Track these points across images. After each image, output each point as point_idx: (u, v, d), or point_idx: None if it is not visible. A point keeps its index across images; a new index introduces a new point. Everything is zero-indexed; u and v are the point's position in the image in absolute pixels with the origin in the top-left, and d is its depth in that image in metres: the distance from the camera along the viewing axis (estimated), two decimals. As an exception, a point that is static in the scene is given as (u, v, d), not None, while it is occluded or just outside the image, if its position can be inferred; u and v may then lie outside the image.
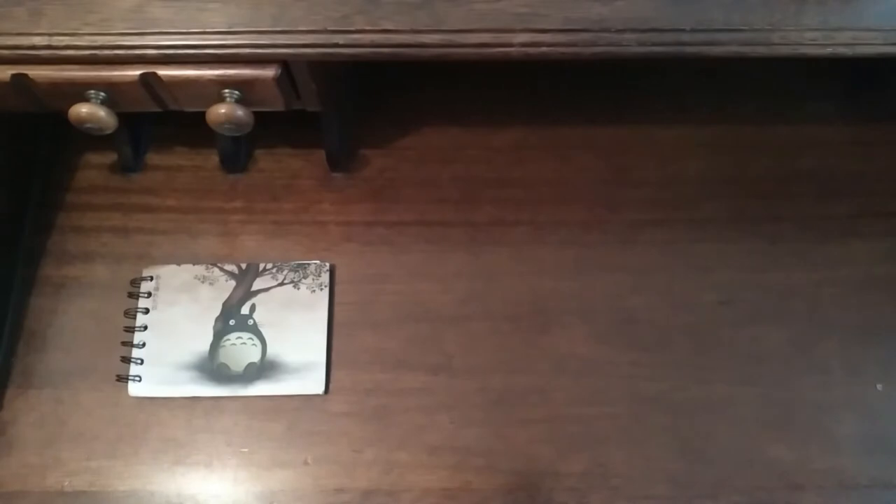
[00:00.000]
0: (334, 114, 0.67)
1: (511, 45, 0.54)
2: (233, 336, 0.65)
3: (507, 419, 0.63)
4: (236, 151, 0.72)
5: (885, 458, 0.62)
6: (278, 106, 0.60)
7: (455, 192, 0.71)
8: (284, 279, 0.67)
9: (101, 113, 0.56)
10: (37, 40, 0.54)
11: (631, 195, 0.70)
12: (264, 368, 0.64)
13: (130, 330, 0.66)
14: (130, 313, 0.66)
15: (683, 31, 0.53)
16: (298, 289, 0.67)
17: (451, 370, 0.64)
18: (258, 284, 0.67)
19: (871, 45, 0.54)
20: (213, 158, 0.72)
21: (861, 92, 0.75)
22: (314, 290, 0.67)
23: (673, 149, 0.72)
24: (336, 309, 0.67)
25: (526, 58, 0.55)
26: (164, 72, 0.55)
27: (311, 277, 0.67)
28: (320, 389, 0.64)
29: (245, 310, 0.66)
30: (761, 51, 0.54)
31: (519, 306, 0.66)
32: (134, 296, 0.67)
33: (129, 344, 0.65)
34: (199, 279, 0.67)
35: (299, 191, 0.71)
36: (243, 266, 0.68)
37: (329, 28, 0.53)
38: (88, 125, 0.57)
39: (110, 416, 0.63)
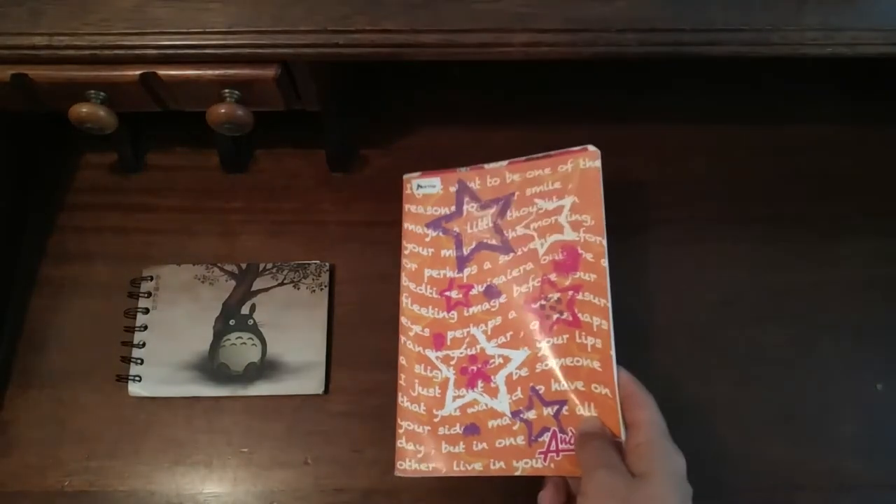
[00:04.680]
0: (334, 114, 0.67)
1: (511, 45, 0.54)
2: (233, 336, 0.65)
3: (507, 419, 0.62)
4: (236, 151, 0.72)
5: (885, 458, 0.62)
6: (278, 106, 0.60)
7: (455, 192, 0.71)
8: (284, 279, 0.67)
9: (101, 113, 0.56)
10: (37, 40, 0.54)
11: (631, 195, 0.70)
12: (264, 368, 0.64)
13: (130, 330, 0.66)
14: (130, 313, 0.66)
15: (683, 31, 0.53)
16: (298, 289, 0.67)
17: (451, 370, 0.64)
18: (258, 284, 0.67)
19: (872, 45, 0.54)
20: (213, 158, 0.72)
21: (861, 92, 0.75)
22: (314, 290, 0.67)
23: (673, 149, 0.72)
24: (336, 309, 0.67)
25: (526, 58, 0.55)
26: (164, 72, 0.55)
27: (311, 277, 0.67)
28: (320, 389, 0.64)
29: (245, 310, 0.66)
30: (761, 51, 0.54)
31: (519, 306, 0.66)
32: (134, 296, 0.67)
33: (129, 344, 0.65)
34: (199, 279, 0.67)
35: (299, 191, 0.71)
36: (243, 266, 0.68)
37: (329, 28, 0.53)
38: (88, 125, 0.57)
39: (110, 416, 0.63)
